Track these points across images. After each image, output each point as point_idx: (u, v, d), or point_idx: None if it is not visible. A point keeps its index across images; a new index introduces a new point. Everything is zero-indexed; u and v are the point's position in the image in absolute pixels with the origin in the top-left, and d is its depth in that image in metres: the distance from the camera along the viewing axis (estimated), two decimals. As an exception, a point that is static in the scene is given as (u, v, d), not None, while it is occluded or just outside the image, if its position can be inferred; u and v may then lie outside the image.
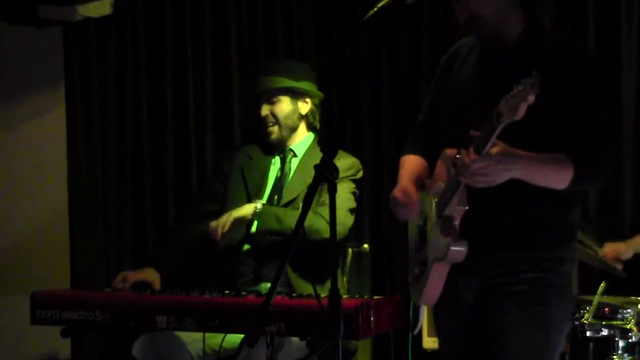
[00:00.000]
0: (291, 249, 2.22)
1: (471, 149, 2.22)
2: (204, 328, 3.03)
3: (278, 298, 2.92)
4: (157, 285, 3.50)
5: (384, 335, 3.49)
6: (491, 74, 2.49)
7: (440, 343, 2.74)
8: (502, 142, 2.20)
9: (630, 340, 3.48)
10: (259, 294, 3.17)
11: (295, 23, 4.54)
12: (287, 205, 3.58)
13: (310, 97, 3.73)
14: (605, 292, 3.50)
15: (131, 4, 4.54)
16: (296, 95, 3.69)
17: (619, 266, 3.66)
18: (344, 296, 3.02)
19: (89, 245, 4.52)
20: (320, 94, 3.77)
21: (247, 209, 3.52)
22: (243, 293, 3.20)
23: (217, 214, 3.60)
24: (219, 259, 3.61)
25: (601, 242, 3.72)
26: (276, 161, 3.74)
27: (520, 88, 2.04)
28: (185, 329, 3.02)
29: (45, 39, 4.53)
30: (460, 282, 2.52)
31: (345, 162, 3.60)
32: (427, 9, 4.40)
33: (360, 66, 4.43)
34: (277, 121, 3.67)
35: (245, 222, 3.53)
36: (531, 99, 2.03)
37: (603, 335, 3.50)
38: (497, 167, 2.23)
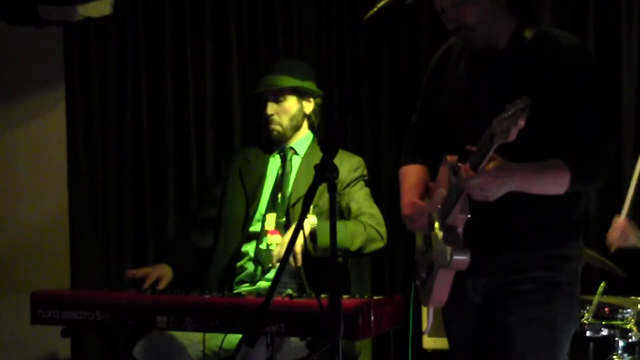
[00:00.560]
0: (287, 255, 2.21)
1: (467, 165, 2.23)
2: (204, 328, 3.03)
3: (278, 298, 2.91)
4: (163, 284, 3.48)
5: (384, 335, 3.50)
6: (485, 78, 2.49)
7: (449, 344, 2.74)
8: (499, 155, 2.21)
9: (630, 340, 3.47)
10: (259, 294, 3.17)
11: (295, 23, 4.53)
12: (293, 205, 3.56)
13: (314, 96, 3.73)
14: (605, 292, 3.49)
15: (131, 4, 4.54)
16: (302, 94, 3.69)
17: (616, 244, 3.54)
18: (344, 296, 3.02)
19: (89, 245, 4.52)
20: (321, 92, 3.78)
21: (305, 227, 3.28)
22: (243, 293, 3.19)
23: (218, 219, 3.61)
24: (219, 259, 3.60)
25: (601, 244, 3.69)
26: (276, 159, 3.73)
27: (510, 112, 2.04)
28: (185, 329, 3.02)
29: (45, 39, 4.53)
30: (468, 284, 2.54)
31: (351, 163, 3.61)
32: (427, 9, 4.39)
33: (360, 66, 4.43)
34: (282, 119, 3.66)
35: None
36: (521, 123, 2.03)
37: (603, 335, 3.50)
38: (495, 182, 2.24)
